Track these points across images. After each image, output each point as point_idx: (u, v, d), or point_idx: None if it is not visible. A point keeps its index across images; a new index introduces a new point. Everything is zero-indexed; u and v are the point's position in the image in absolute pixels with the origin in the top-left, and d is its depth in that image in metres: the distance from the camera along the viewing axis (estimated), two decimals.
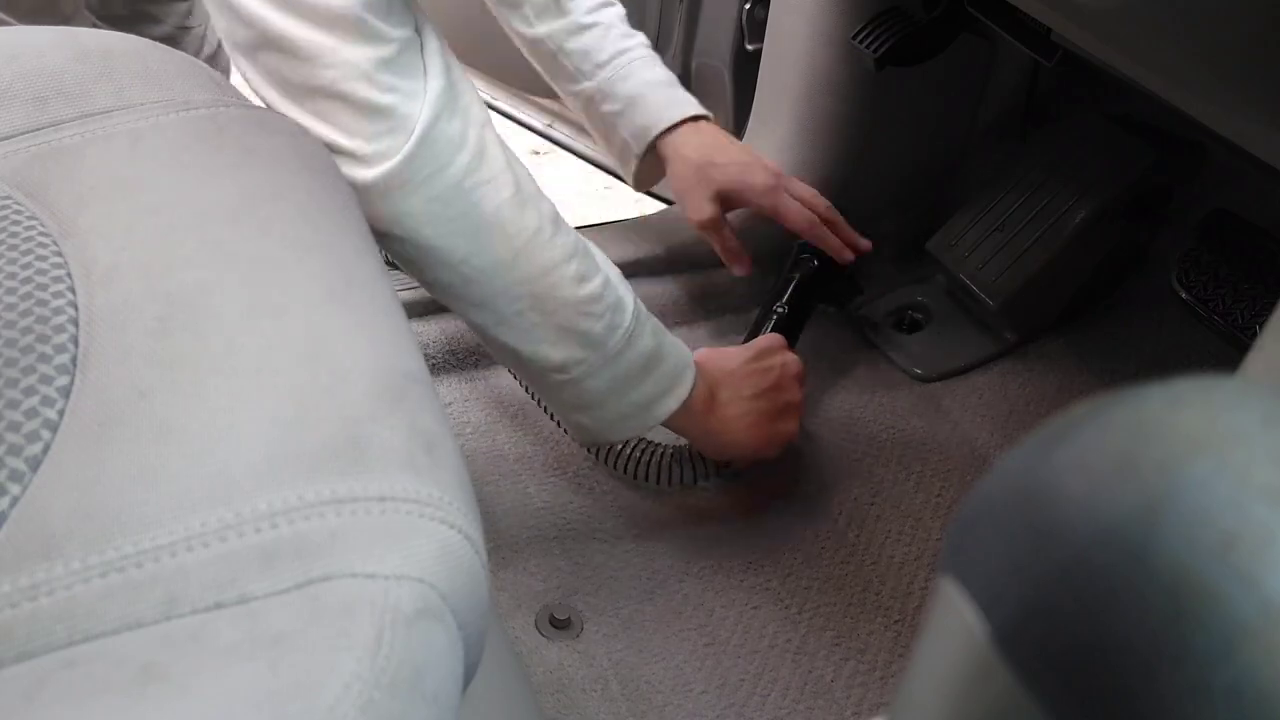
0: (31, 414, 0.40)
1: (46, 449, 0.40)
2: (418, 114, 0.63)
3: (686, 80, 1.16)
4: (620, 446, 0.86)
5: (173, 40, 1.24)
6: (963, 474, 0.92)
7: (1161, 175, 0.99)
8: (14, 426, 0.40)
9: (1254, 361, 0.46)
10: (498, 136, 0.69)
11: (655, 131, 0.89)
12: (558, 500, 0.87)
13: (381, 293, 0.51)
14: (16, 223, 0.48)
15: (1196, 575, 0.18)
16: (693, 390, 0.78)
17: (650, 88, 0.89)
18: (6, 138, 0.53)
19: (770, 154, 1.06)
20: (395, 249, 0.68)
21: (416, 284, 0.92)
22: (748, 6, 1.07)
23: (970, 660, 0.22)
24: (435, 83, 0.65)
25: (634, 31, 0.90)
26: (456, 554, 0.40)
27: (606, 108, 0.89)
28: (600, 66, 0.88)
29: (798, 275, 0.96)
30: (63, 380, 0.42)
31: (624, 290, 0.75)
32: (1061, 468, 0.21)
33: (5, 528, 0.38)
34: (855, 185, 1.05)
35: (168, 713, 0.33)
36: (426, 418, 0.44)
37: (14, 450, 0.39)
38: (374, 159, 0.63)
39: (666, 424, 0.79)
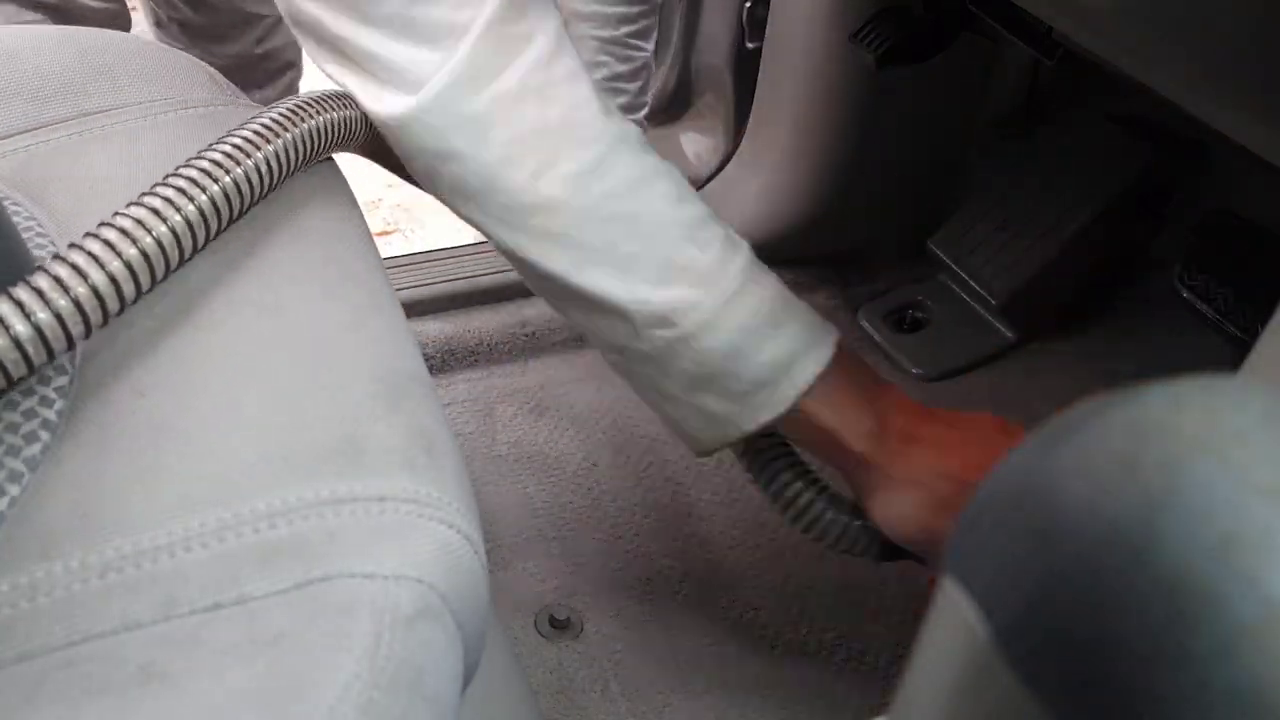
0: (30, 414, 0.40)
1: (45, 449, 0.40)
2: (474, 16, 0.54)
3: (686, 80, 1.15)
4: (793, 492, 0.63)
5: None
6: None
7: (1162, 175, 0.99)
8: (12, 427, 0.40)
9: (1254, 361, 0.46)
10: (568, 37, 0.58)
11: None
12: (558, 500, 0.87)
13: (380, 292, 0.51)
14: (15, 223, 0.48)
15: (1197, 575, 0.18)
16: (832, 357, 0.58)
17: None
18: (5, 137, 0.53)
19: (770, 154, 1.07)
20: (448, 182, 0.58)
21: (416, 284, 0.92)
22: (748, 5, 1.06)
23: (971, 661, 0.22)
24: None
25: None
26: (456, 554, 0.40)
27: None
28: None
29: None
30: (61, 380, 0.41)
31: (730, 229, 0.59)
32: (1062, 468, 0.21)
33: (4, 528, 0.38)
34: (856, 184, 1.05)
35: (166, 713, 0.33)
36: (426, 418, 0.44)
37: (12, 451, 0.39)
38: (427, 66, 0.54)
39: (834, 458, 0.60)
